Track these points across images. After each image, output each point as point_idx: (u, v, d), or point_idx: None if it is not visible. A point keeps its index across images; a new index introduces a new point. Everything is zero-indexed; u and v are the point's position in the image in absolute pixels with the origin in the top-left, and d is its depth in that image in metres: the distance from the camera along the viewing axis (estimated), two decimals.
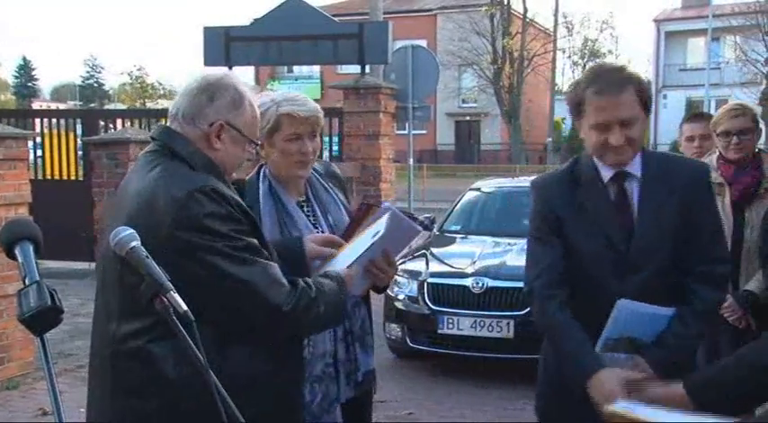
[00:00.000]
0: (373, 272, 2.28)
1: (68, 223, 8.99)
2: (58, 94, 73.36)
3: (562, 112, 39.25)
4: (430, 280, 6.07)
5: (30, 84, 65.32)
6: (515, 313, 5.65)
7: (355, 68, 10.53)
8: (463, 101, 41.60)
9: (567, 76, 45.13)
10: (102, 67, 68.16)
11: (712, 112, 4.35)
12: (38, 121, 10.81)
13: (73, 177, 10.49)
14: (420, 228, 2.37)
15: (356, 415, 2.56)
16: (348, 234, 2.40)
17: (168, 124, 2.06)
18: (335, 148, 10.61)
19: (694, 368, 2.48)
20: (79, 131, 10.59)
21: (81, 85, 68.44)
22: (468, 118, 42.25)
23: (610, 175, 2.34)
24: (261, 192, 2.46)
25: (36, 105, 48.14)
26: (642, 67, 40.13)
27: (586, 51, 45.15)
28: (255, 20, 11.45)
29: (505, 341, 5.68)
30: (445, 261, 6.37)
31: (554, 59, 40.83)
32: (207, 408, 1.50)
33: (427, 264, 6.30)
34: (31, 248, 1.52)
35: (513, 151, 37.46)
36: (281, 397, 2.03)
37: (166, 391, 1.86)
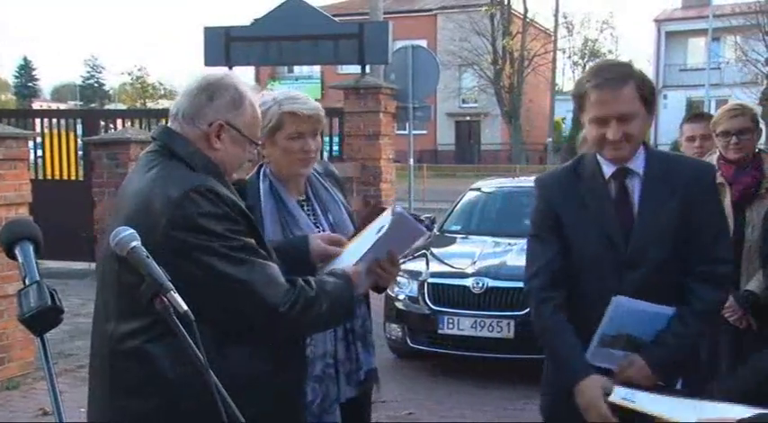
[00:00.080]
0: (377, 272, 2.28)
1: (68, 223, 8.99)
2: (58, 94, 73.38)
3: (562, 112, 39.36)
4: (430, 280, 6.07)
5: (30, 84, 65.37)
6: (515, 313, 5.64)
7: (355, 68, 10.54)
8: (463, 101, 41.60)
9: (567, 77, 45.21)
10: (102, 67, 68.36)
11: (713, 112, 4.35)
12: (38, 121, 10.82)
13: (73, 177, 10.49)
14: (425, 229, 2.38)
15: (355, 415, 2.56)
16: (356, 235, 2.41)
17: (169, 124, 2.05)
18: (336, 148, 10.61)
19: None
20: (80, 131, 10.59)
21: (81, 85, 68.46)
22: (468, 118, 42.24)
23: (611, 172, 2.34)
24: (262, 191, 2.46)
25: (36, 105, 48.14)
26: (642, 68, 39.68)
27: (587, 51, 45.18)
28: (256, 20, 11.47)
29: (506, 341, 5.68)
30: (445, 261, 6.37)
31: (554, 59, 40.83)
32: (207, 407, 1.49)
33: (427, 264, 6.30)
34: (32, 248, 1.52)
35: (514, 151, 37.46)
36: (282, 397, 2.03)
37: (165, 391, 1.85)
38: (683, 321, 2.27)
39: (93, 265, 7.67)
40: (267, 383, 1.96)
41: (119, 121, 10.93)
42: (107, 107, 42.05)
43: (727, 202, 3.50)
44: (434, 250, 6.58)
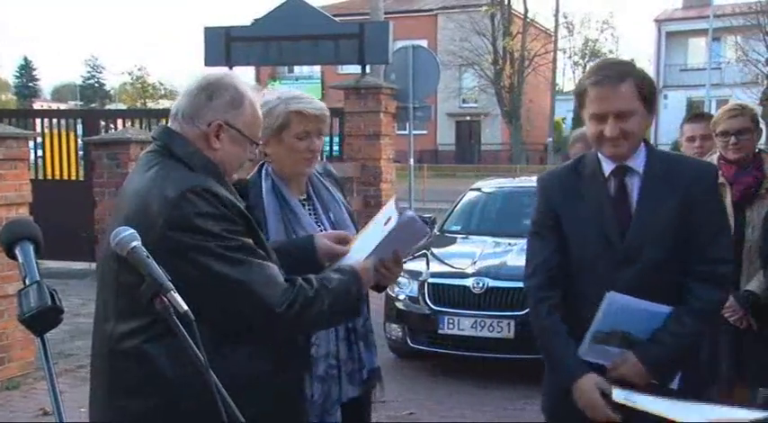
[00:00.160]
0: (381, 271, 2.27)
1: (69, 223, 9.00)
2: (58, 94, 73.38)
3: (563, 112, 39.39)
4: (430, 280, 6.07)
5: (30, 84, 65.42)
6: (516, 313, 5.64)
7: (356, 68, 10.54)
8: (464, 101, 41.60)
9: (567, 77, 45.20)
10: (102, 67, 68.43)
11: (713, 112, 4.35)
12: (38, 121, 10.82)
13: (73, 177, 10.49)
14: (429, 230, 2.38)
15: (356, 415, 2.56)
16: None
17: (169, 124, 2.05)
18: (336, 148, 10.61)
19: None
20: (80, 131, 10.59)
21: (82, 85, 68.49)
22: (468, 118, 42.25)
23: (611, 169, 2.34)
24: (264, 190, 2.46)
25: (37, 105, 48.14)
26: (643, 68, 40.02)
27: (587, 52, 45.20)
28: (256, 20, 11.47)
29: (506, 341, 5.68)
30: (446, 261, 6.36)
31: (554, 60, 40.84)
32: (206, 407, 1.49)
33: (428, 264, 6.30)
34: (32, 248, 1.52)
35: (514, 151, 37.46)
36: (282, 397, 2.03)
37: (165, 391, 1.85)
38: (679, 320, 2.27)
39: (94, 265, 7.68)
40: (267, 383, 1.96)
41: (119, 121, 10.93)
42: (107, 107, 42.05)
43: (728, 202, 3.50)
44: (435, 250, 6.57)
